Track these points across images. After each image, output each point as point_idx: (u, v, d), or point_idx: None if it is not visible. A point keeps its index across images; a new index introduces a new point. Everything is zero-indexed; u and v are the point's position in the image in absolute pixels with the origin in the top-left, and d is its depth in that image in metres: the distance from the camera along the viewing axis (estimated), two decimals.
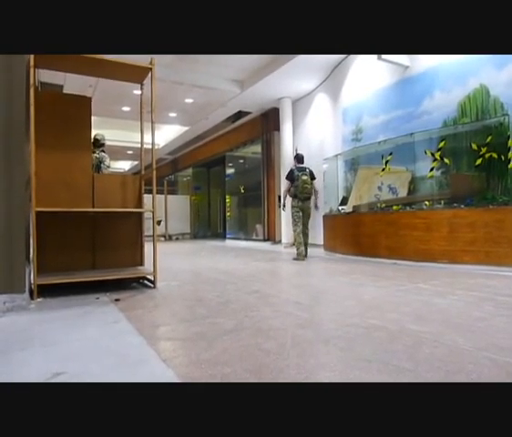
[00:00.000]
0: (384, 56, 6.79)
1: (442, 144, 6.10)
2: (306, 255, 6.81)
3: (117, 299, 3.41)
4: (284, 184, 7.27)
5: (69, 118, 4.00)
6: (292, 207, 6.83)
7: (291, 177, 6.84)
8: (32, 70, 3.33)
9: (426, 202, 6.11)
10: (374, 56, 7.01)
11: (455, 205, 5.51)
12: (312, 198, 6.93)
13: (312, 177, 6.87)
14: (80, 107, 4.11)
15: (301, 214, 6.76)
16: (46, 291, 3.48)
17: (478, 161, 5.56)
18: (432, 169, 6.22)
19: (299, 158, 7.06)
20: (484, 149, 5.49)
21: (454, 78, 6.19)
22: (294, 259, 6.68)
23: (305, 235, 6.85)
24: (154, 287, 4.00)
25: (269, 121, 11.99)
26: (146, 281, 4.29)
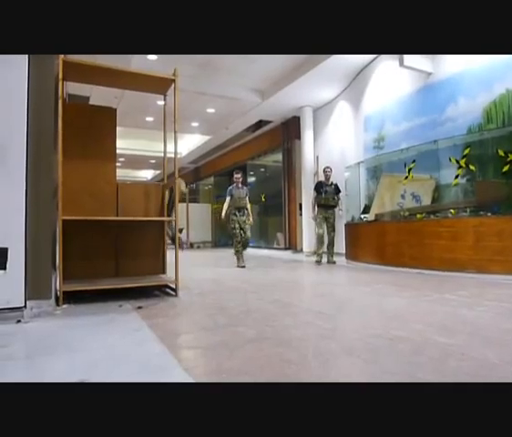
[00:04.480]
0: (406, 63, 6.71)
1: (467, 151, 5.96)
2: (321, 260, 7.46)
3: (139, 307, 3.45)
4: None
5: (95, 129, 4.10)
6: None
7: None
8: (60, 83, 3.43)
9: (451, 210, 5.97)
10: (397, 64, 6.94)
11: (482, 213, 5.36)
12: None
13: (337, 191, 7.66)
14: (106, 118, 4.22)
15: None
16: (70, 298, 3.56)
17: (505, 168, 5.40)
18: (457, 177, 6.08)
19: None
20: (511, 156, 5.33)
21: (478, 84, 6.05)
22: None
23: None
24: (176, 295, 4.03)
25: (289, 130, 11.98)
26: (168, 289, 4.33)
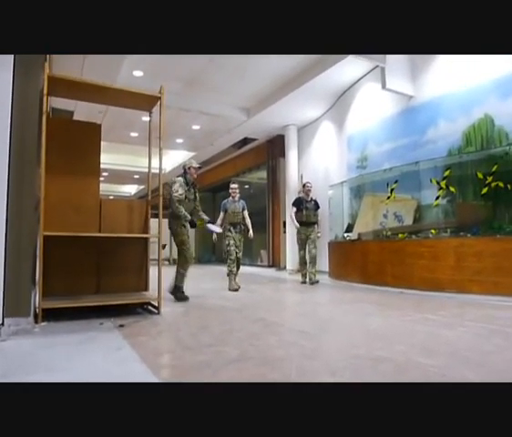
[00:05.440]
0: (388, 86, 6.88)
1: (447, 172, 6.11)
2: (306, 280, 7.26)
3: (121, 325, 3.38)
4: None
5: (79, 144, 4.06)
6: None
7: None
8: (45, 98, 3.41)
9: (432, 230, 6.09)
10: (379, 86, 7.11)
11: (462, 234, 5.48)
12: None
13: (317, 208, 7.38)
14: (90, 134, 4.19)
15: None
16: (50, 315, 3.47)
17: (484, 190, 5.56)
18: (437, 198, 6.22)
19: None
20: (490, 178, 5.49)
21: (458, 108, 6.25)
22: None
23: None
24: (158, 313, 3.97)
25: (274, 148, 12.10)
26: (150, 307, 4.27)
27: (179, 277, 5.09)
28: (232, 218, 6.47)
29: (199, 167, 5.42)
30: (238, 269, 6.54)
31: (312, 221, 7.26)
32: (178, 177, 5.22)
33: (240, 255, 6.55)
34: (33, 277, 3.31)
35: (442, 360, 2.36)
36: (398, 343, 2.77)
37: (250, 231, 6.72)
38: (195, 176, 5.28)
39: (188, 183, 5.19)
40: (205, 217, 5.51)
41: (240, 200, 6.70)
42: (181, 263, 5.11)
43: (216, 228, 5.67)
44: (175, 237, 5.09)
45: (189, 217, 5.01)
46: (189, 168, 5.23)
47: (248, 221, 6.72)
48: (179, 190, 4.99)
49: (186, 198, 5.12)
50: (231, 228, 6.47)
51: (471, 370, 2.15)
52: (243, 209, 6.67)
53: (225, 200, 6.70)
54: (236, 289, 6.22)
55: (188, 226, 5.06)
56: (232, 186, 6.76)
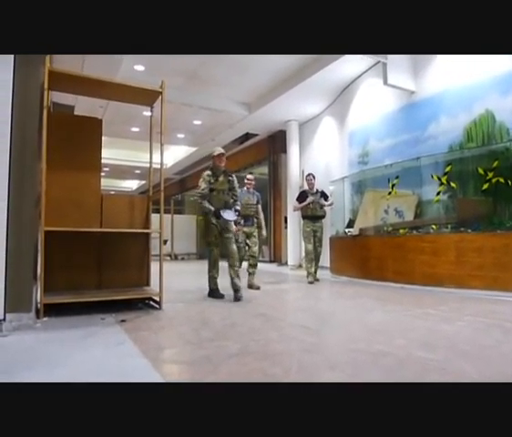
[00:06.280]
0: (390, 81, 6.86)
1: (448, 168, 6.10)
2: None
3: (122, 320, 3.40)
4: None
5: (80, 139, 4.06)
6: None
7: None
8: (46, 92, 3.40)
9: (433, 226, 6.09)
10: (381, 81, 7.09)
11: (462, 229, 5.48)
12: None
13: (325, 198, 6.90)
14: (91, 129, 4.19)
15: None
16: (51, 310, 3.49)
17: (485, 186, 5.55)
18: (438, 193, 6.21)
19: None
20: (490, 174, 5.48)
21: (459, 104, 6.23)
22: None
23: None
24: (160, 308, 3.99)
25: (276, 143, 12.08)
26: (152, 302, 4.28)
27: (209, 280, 4.94)
28: (245, 211, 5.97)
29: (223, 154, 5.04)
30: (254, 266, 6.03)
31: (319, 215, 6.81)
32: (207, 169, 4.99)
33: (251, 251, 5.98)
34: (34, 272, 3.32)
35: (442, 353, 2.38)
36: (399, 338, 2.78)
37: (264, 231, 6.40)
38: (222, 163, 4.95)
39: (216, 174, 4.93)
40: (237, 208, 5.04)
41: (254, 193, 6.35)
42: (208, 265, 4.96)
43: (230, 216, 4.83)
44: (202, 236, 4.93)
45: (212, 209, 4.73)
46: (212, 158, 5.01)
47: (262, 217, 6.39)
48: (201, 186, 4.85)
49: (214, 190, 4.87)
50: (242, 222, 5.96)
51: (470, 363, 2.16)
52: (258, 202, 6.33)
53: (239, 190, 6.10)
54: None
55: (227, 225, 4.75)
56: (249, 176, 6.46)
